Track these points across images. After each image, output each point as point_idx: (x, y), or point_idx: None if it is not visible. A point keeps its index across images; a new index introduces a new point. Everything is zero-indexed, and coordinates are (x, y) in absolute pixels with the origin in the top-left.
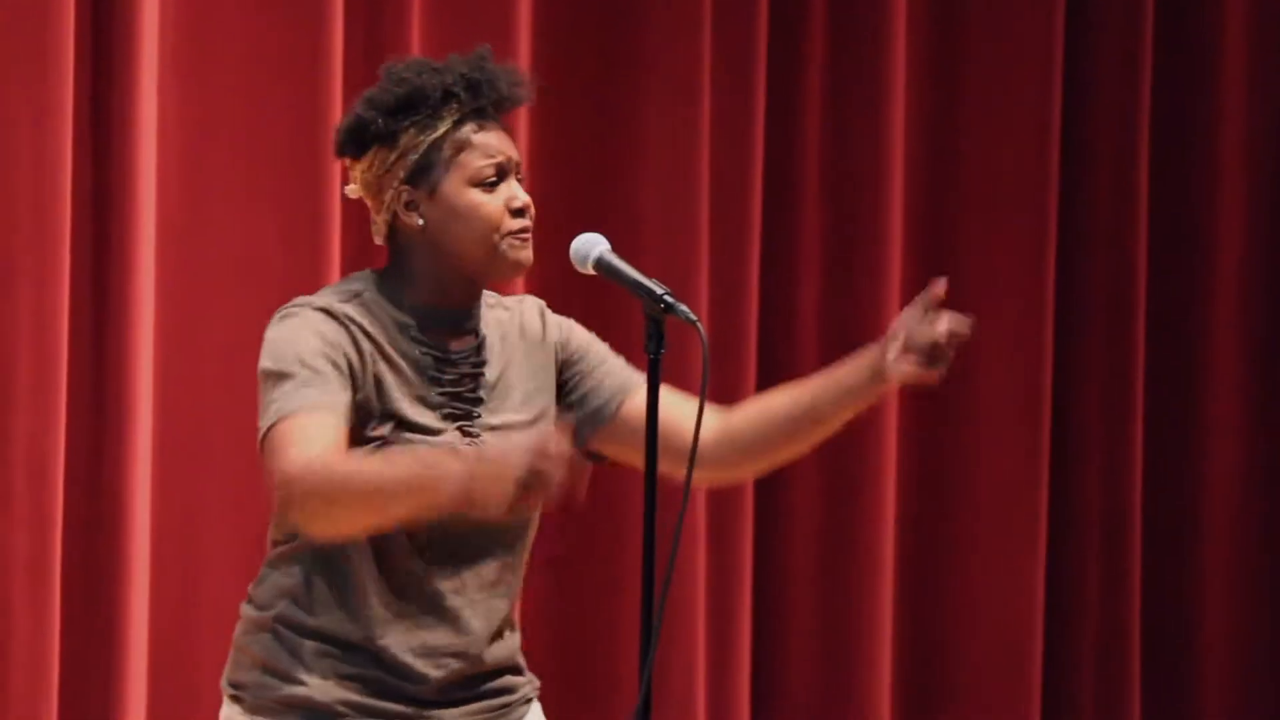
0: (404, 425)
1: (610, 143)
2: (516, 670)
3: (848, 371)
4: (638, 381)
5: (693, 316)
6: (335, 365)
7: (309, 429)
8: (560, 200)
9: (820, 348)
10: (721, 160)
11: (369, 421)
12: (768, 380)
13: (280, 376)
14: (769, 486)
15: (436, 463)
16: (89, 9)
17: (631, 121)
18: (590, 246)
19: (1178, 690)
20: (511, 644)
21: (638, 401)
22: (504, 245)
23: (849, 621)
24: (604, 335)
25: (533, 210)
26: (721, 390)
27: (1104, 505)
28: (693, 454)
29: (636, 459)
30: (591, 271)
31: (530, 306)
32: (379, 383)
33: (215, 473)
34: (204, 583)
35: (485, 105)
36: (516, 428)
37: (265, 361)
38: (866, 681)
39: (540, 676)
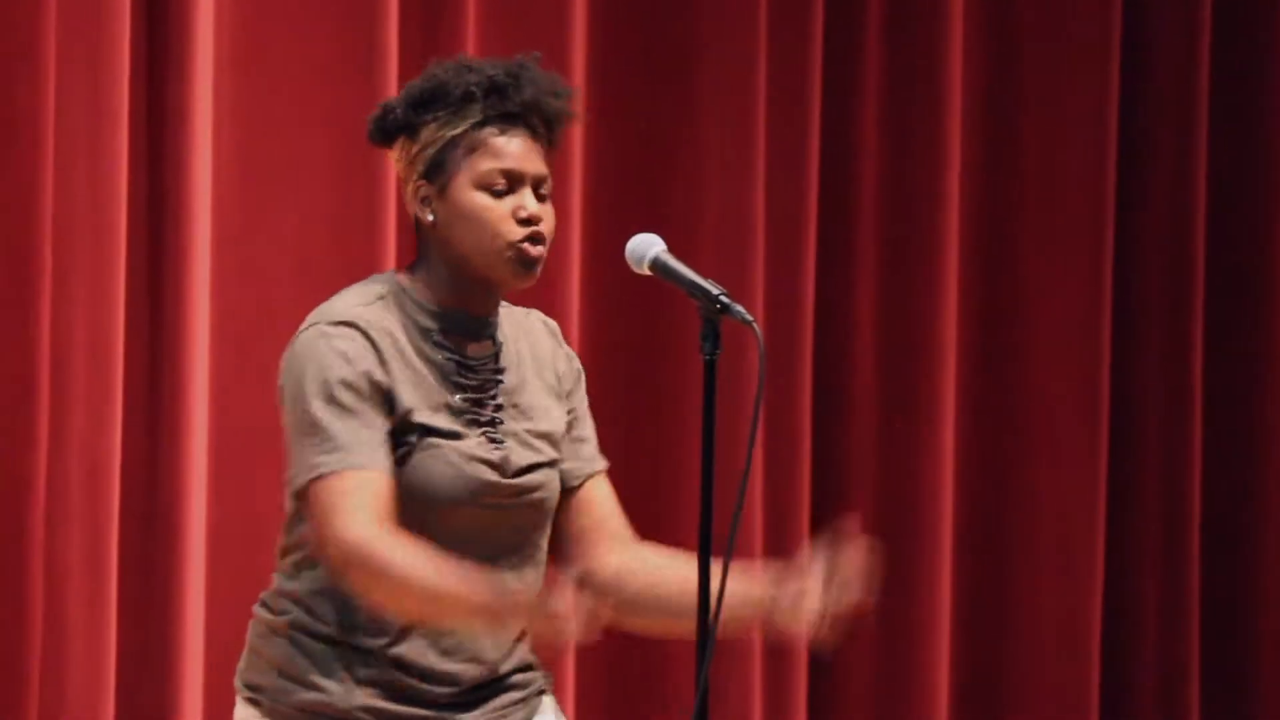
0: (429, 432)
1: (666, 144)
2: (529, 667)
3: (741, 593)
4: (597, 469)
5: (749, 317)
6: (365, 397)
7: (357, 494)
8: (616, 202)
9: (876, 349)
10: (777, 161)
11: (395, 436)
12: (824, 382)
13: (313, 424)
14: (825, 492)
15: (474, 592)
16: (144, 10)
17: (687, 122)
18: (646, 247)
19: (1237, 690)
20: (526, 644)
21: (587, 493)
22: (506, 253)
23: (907, 626)
24: (660, 337)
25: (548, 225)
26: (777, 392)
27: (1163, 506)
28: (752, 434)
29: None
30: (647, 272)
31: (538, 322)
32: (402, 390)
33: (271, 471)
34: (260, 581)
35: (514, 112)
36: (535, 437)
37: (293, 393)
38: (924, 686)
39: (596, 685)
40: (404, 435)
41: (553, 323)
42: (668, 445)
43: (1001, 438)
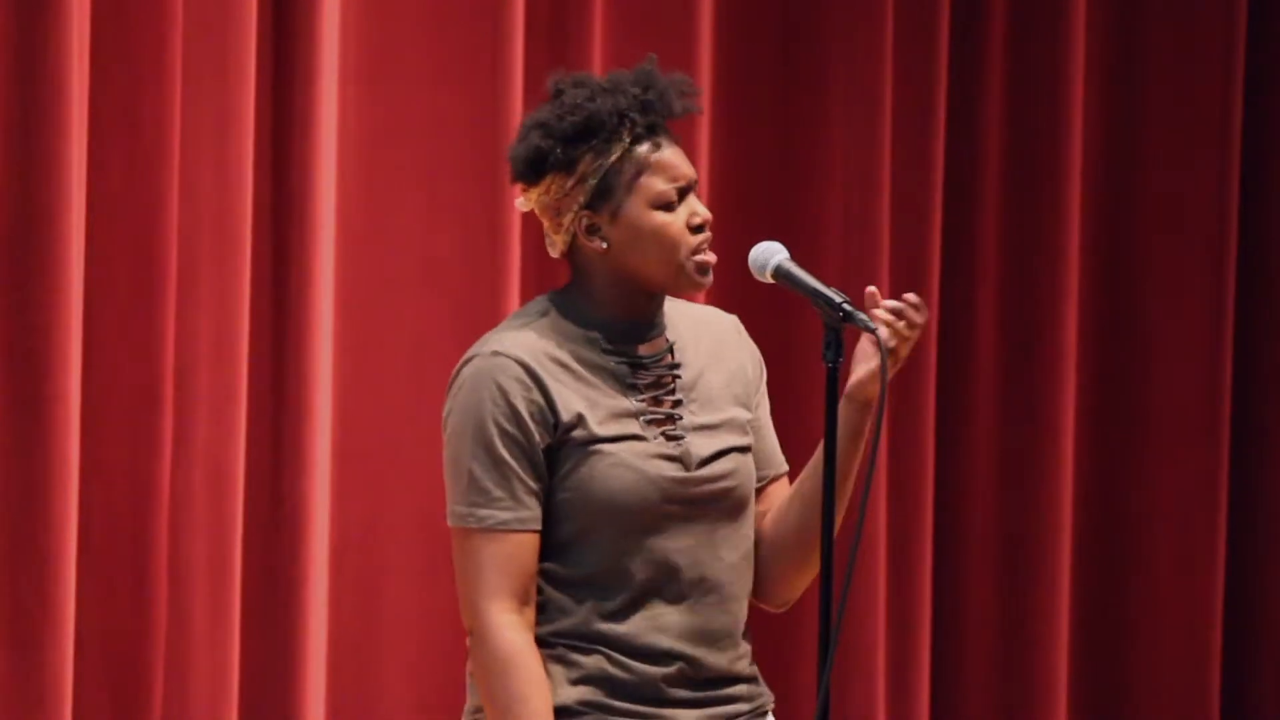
0: (603, 440)
1: (791, 151)
2: (749, 679)
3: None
4: (781, 466)
5: (872, 325)
6: (518, 441)
7: (504, 568)
8: (740, 209)
9: (999, 355)
10: (902, 168)
11: (569, 451)
12: (947, 389)
13: (466, 470)
14: (947, 500)
15: None
16: (270, 19)
17: (812, 130)
18: (769, 255)
19: None
20: (742, 650)
21: (772, 490)
22: (689, 263)
23: (1026, 632)
24: (783, 343)
25: (711, 222)
26: (901, 400)
27: None
28: (875, 442)
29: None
30: (770, 280)
31: (721, 317)
32: (569, 404)
33: (394, 478)
34: (383, 588)
35: (656, 123)
36: (719, 426)
37: (451, 430)
38: (1045, 691)
39: None
40: (578, 445)
41: (733, 317)
42: (790, 453)
43: (1122, 443)
